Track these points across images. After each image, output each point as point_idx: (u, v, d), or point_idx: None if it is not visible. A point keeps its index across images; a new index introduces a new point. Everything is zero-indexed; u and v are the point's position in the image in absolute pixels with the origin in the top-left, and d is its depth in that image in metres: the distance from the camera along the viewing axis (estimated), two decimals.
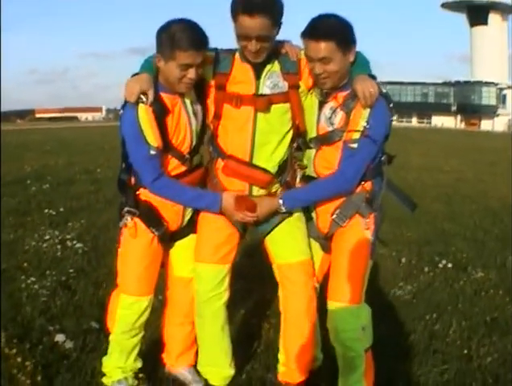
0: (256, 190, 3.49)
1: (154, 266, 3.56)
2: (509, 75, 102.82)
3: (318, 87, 3.41)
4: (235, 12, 3.16)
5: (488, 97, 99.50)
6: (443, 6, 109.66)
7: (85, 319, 4.73)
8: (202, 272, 3.57)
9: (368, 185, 3.41)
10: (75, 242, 7.16)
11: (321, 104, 3.41)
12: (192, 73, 3.19)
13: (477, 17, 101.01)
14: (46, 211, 9.22)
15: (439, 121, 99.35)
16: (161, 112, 3.27)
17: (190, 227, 3.63)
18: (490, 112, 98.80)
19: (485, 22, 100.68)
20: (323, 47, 3.16)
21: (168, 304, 3.80)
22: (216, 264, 3.55)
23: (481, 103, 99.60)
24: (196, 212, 3.60)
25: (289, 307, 3.56)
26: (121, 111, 3.32)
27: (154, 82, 3.27)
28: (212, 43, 3.31)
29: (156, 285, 3.61)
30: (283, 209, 3.41)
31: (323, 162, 3.42)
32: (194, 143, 3.47)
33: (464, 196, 12.55)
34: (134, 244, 3.48)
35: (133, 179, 3.46)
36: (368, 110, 3.21)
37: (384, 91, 3.29)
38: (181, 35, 3.11)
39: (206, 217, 3.56)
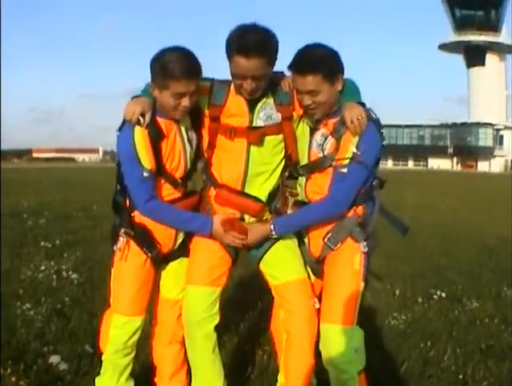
0: (247, 219, 3.54)
1: (147, 287, 3.58)
2: (506, 116, 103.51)
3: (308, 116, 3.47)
4: (230, 52, 3.21)
5: (485, 138, 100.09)
6: (441, 47, 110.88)
7: (80, 344, 4.74)
8: (194, 293, 3.57)
9: (360, 209, 3.44)
10: (70, 273, 7.20)
11: (312, 131, 3.45)
12: (186, 101, 3.25)
13: (475, 58, 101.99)
14: (42, 243, 9.28)
15: (436, 163, 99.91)
16: (156, 136, 3.32)
17: (181, 251, 3.66)
18: (487, 153, 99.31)
19: (482, 63, 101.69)
20: (310, 81, 3.21)
21: (155, 324, 3.79)
22: (208, 287, 3.55)
23: (477, 144, 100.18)
24: (187, 236, 3.63)
25: (290, 328, 3.51)
26: (118, 133, 3.36)
27: (152, 106, 3.34)
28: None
29: (148, 307, 3.62)
30: (275, 235, 3.44)
31: (314, 188, 3.46)
32: (187, 169, 3.53)
33: (460, 234, 12.57)
34: (128, 265, 3.50)
35: (127, 201, 3.50)
36: (357, 136, 3.26)
37: (374, 116, 3.33)
38: (173, 65, 3.17)
39: (199, 240, 3.58)
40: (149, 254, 3.48)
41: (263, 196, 3.50)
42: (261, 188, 3.50)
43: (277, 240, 3.53)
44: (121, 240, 3.47)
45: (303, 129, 3.51)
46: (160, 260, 3.59)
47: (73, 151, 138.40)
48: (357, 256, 3.43)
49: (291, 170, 3.55)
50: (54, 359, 4.30)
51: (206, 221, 3.45)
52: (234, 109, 3.42)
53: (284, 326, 3.55)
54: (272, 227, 3.40)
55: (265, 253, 3.57)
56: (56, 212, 13.90)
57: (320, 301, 3.55)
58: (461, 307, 6.40)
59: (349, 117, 3.23)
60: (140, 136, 3.26)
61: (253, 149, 3.43)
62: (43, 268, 7.37)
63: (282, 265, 3.55)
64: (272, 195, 3.54)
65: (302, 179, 3.52)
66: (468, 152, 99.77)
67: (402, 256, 9.33)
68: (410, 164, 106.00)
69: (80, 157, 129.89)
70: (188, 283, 3.59)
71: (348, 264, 3.43)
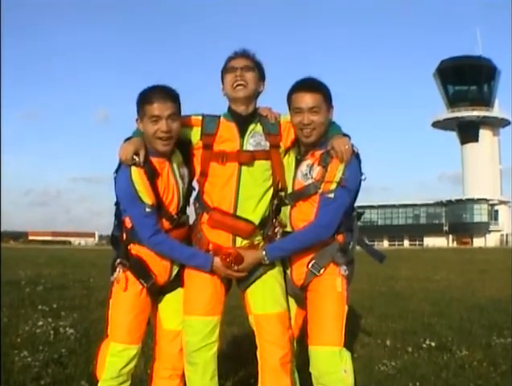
0: (239, 241, 3.71)
1: (143, 317, 3.73)
2: (501, 191, 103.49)
3: (296, 146, 3.76)
4: (226, 63, 3.73)
5: (480, 214, 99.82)
6: (434, 124, 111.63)
7: (76, 383, 4.86)
8: (192, 324, 3.70)
9: (340, 237, 3.68)
10: (67, 329, 7.29)
11: (298, 163, 3.73)
12: (163, 125, 3.51)
13: (468, 134, 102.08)
14: (39, 307, 9.39)
15: (431, 241, 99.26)
16: (152, 174, 3.56)
17: (177, 282, 3.82)
18: (482, 229, 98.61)
19: (475, 138, 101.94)
20: (313, 97, 3.60)
21: (157, 358, 3.88)
22: (206, 316, 3.69)
23: (473, 221, 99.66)
24: (182, 267, 3.80)
25: (266, 355, 3.65)
26: (115, 174, 3.61)
27: (144, 144, 3.60)
28: None
29: (144, 337, 3.75)
30: (267, 260, 3.62)
31: (299, 216, 3.69)
32: (181, 204, 3.75)
33: (452, 298, 12.58)
34: (124, 295, 3.67)
35: (124, 235, 3.72)
36: (343, 164, 3.53)
37: (356, 150, 3.63)
38: (148, 92, 3.55)
39: (192, 272, 3.75)
40: (145, 284, 3.65)
41: (255, 219, 3.69)
42: (253, 212, 3.69)
43: (267, 269, 3.71)
44: (118, 270, 3.65)
45: (288, 161, 3.78)
46: (157, 291, 3.75)
47: (69, 235, 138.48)
48: (339, 280, 3.63)
49: (278, 200, 3.76)
50: None
51: (207, 258, 3.64)
52: (226, 135, 3.70)
53: (260, 354, 3.68)
54: (264, 253, 3.60)
55: (253, 281, 3.72)
56: (53, 282, 14.04)
57: (302, 330, 3.77)
58: (451, 355, 6.46)
59: (337, 145, 3.53)
60: (137, 174, 3.50)
61: (244, 171, 3.67)
62: (40, 323, 7.49)
63: (267, 297, 3.71)
64: (264, 221, 3.73)
65: (286, 209, 3.75)
66: (463, 229, 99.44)
67: (394, 316, 9.38)
68: (406, 243, 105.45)
69: (76, 240, 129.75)
70: (185, 314, 3.74)
71: (332, 288, 3.62)
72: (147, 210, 3.51)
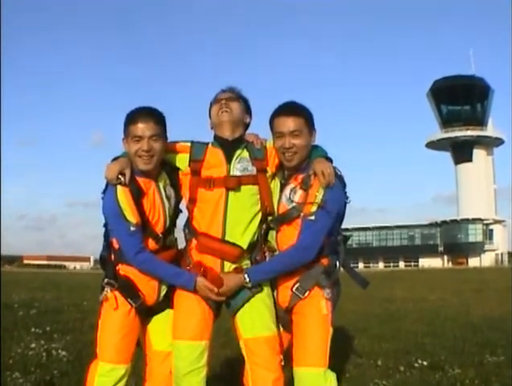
0: (228, 266, 3.75)
1: (132, 337, 3.76)
2: (495, 210, 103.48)
3: (280, 170, 3.82)
4: (213, 98, 3.84)
5: (474, 234, 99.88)
6: (428, 145, 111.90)
7: None
8: (180, 348, 3.71)
9: (325, 260, 3.71)
10: (60, 351, 7.29)
11: (282, 187, 3.79)
12: (144, 144, 3.59)
13: (462, 154, 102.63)
14: (32, 329, 9.34)
15: (427, 262, 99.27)
16: (137, 193, 3.62)
17: (166, 303, 3.85)
18: (477, 249, 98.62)
19: (469, 158, 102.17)
20: (294, 121, 3.64)
21: (148, 379, 3.88)
22: (193, 341, 3.70)
23: (467, 241, 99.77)
24: (170, 288, 3.83)
25: (256, 379, 3.65)
26: (103, 195, 3.68)
27: (131, 166, 3.66)
28: None
29: (133, 358, 3.76)
30: (249, 283, 3.65)
31: (284, 240, 3.73)
32: (167, 225, 3.80)
33: (446, 318, 12.54)
34: (113, 314, 3.71)
35: (112, 256, 3.77)
36: (325, 186, 3.57)
37: (339, 173, 3.69)
38: (133, 113, 3.65)
39: (181, 295, 3.78)
40: (133, 304, 3.69)
41: (243, 244, 3.72)
42: (241, 237, 3.73)
43: (255, 292, 3.72)
44: (106, 290, 3.71)
45: (274, 185, 3.83)
46: (145, 312, 3.78)
47: (64, 259, 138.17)
48: (323, 303, 3.67)
49: (267, 224, 3.80)
50: None
51: (191, 277, 3.67)
52: (213, 161, 3.77)
53: (251, 378, 3.68)
54: (246, 275, 3.63)
55: (242, 305, 3.74)
56: (47, 306, 14.00)
57: (287, 354, 3.74)
58: (443, 373, 6.47)
59: (319, 169, 3.57)
60: (122, 194, 3.57)
61: (231, 196, 3.73)
62: (33, 345, 7.49)
63: (256, 320, 3.72)
64: (252, 245, 3.77)
65: (273, 233, 3.80)
66: (458, 249, 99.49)
67: (387, 337, 9.37)
68: (401, 264, 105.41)
69: (71, 265, 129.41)
70: (174, 338, 3.75)
71: (317, 310, 3.66)
72: (132, 229, 3.56)
